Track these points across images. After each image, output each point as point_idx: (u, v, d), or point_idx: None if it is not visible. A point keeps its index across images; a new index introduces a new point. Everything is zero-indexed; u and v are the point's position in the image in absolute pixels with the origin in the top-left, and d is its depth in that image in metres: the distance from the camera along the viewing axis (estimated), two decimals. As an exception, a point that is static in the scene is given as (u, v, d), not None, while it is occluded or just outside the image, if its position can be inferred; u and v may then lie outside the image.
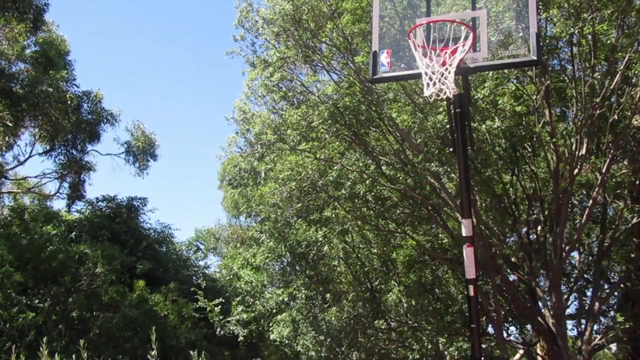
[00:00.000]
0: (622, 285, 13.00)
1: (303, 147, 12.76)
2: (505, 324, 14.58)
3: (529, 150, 11.44)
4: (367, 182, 12.31)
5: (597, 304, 11.60)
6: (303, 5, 11.05)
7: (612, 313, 14.13)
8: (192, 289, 20.70)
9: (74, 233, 20.11)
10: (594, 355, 13.11)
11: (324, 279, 16.13)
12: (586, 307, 12.63)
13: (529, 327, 14.85)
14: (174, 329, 17.89)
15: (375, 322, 15.31)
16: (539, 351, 13.65)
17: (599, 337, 12.60)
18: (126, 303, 16.86)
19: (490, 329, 13.93)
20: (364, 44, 10.85)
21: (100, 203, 21.81)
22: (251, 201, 22.66)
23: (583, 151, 10.26)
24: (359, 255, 15.61)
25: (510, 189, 12.13)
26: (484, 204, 12.05)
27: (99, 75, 54.21)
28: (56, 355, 7.44)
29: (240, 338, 19.91)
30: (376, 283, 15.58)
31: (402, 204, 12.92)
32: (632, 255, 12.60)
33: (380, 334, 15.59)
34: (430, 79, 4.89)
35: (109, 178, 68.60)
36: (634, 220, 11.73)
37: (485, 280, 12.74)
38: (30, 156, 21.64)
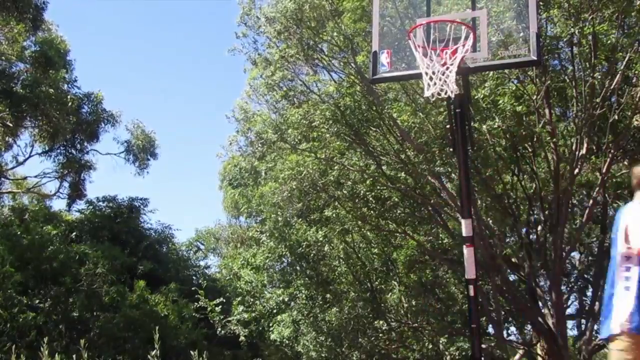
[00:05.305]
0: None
1: (304, 147, 12.76)
2: (505, 324, 14.59)
3: (529, 150, 11.44)
4: (368, 182, 12.32)
5: (597, 304, 11.60)
6: (305, 3, 11.05)
7: (612, 313, 14.10)
8: (192, 289, 20.70)
9: (74, 233, 20.09)
10: (594, 355, 13.12)
11: (324, 279, 16.12)
12: (586, 307, 12.64)
13: (529, 327, 14.86)
14: (175, 329, 17.88)
15: (376, 322, 15.31)
16: (539, 351, 13.65)
17: (599, 337, 12.60)
18: (127, 303, 16.85)
19: (490, 329, 13.94)
20: (365, 43, 10.86)
21: (100, 203, 21.83)
22: (251, 201, 22.66)
23: (583, 151, 10.26)
24: (360, 255, 15.60)
25: (511, 189, 12.13)
26: (484, 204, 12.05)
27: (100, 74, 54.16)
28: (57, 355, 7.44)
29: (242, 338, 19.90)
30: (376, 283, 15.58)
31: (403, 204, 12.92)
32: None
33: (380, 334, 15.59)
34: (431, 79, 4.89)
35: (109, 178, 68.59)
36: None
37: (485, 280, 12.75)
38: (30, 156, 21.66)
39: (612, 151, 10.23)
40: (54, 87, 18.79)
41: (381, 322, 15.26)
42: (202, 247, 29.70)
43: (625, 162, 11.46)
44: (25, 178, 23.96)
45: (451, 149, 8.84)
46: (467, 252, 4.85)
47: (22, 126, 20.28)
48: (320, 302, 16.31)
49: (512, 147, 11.27)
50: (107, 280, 16.78)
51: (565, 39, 9.82)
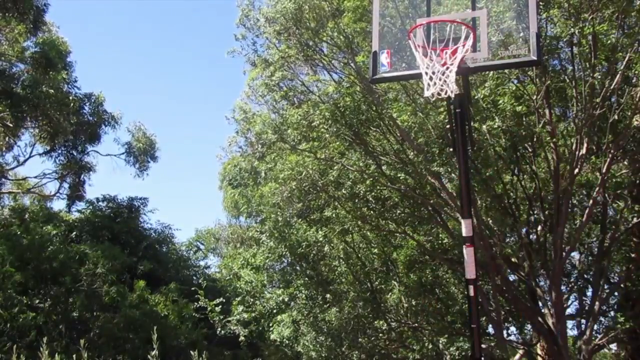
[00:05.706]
0: (622, 285, 13.00)
1: (303, 147, 12.76)
2: (505, 324, 14.58)
3: (529, 150, 11.44)
4: (368, 182, 12.32)
5: (597, 304, 11.60)
6: (305, 4, 11.06)
7: (612, 313, 14.12)
8: (192, 289, 20.72)
9: (74, 233, 20.13)
10: (594, 355, 13.11)
11: (324, 279, 16.12)
12: (586, 307, 12.64)
13: (529, 327, 14.85)
14: (175, 329, 17.89)
15: (376, 322, 15.30)
16: (539, 351, 13.65)
17: (599, 337, 12.59)
18: (127, 303, 16.87)
19: (490, 329, 13.93)
20: (365, 43, 10.86)
21: (100, 203, 21.84)
22: (251, 201, 22.67)
23: (583, 151, 10.26)
24: (360, 255, 15.60)
25: (511, 189, 12.13)
26: (484, 204, 12.05)
27: (101, 76, 54.31)
28: (56, 355, 7.45)
29: (242, 338, 19.91)
30: (376, 283, 15.56)
31: (403, 204, 12.92)
32: (632, 255, 12.60)
33: (380, 334, 15.59)
34: (431, 79, 4.90)
35: (109, 179, 68.80)
36: (634, 221, 11.72)
37: (485, 280, 12.74)
38: (30, 156, 21.71)
39: (612, 151, 10.22)
40: (55, 87, 18.80)
41: (381, 322, 15.24)
42: (202, 247, 29.74)
43: (625, 162, 11.46)
44: (25, 179, 24.00)
45: (451, 149, 8.85)
46: (467, 252, 4.86)
47: (23, 126, 20.31)
48: (320, 302, 16.30)
49: (512, 147, 11.27)
50: (107, 280, 16.79)
51: (565, 39, 9.82)
